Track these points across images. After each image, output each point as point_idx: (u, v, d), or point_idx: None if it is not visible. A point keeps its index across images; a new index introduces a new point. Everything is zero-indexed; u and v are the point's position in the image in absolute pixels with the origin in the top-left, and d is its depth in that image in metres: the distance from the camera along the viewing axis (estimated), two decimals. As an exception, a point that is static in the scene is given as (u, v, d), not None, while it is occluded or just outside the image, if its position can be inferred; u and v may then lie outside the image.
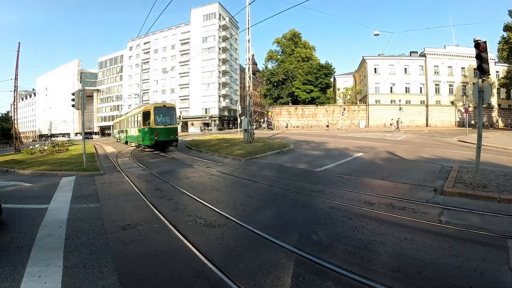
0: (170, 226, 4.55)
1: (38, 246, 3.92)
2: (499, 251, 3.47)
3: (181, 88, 71.72)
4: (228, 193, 6.92)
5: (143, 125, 17.75)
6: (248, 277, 2.98)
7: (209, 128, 64.56)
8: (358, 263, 3.23)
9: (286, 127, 48.44)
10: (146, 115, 17.41)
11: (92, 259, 3.50)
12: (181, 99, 71.25)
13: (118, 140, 31.49)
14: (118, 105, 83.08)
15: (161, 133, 16.86)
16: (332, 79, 60.00)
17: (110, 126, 64.40)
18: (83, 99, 12.25)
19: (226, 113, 72.02)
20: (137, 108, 21.47)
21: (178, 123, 19.98)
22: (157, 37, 75.56)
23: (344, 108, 46.64)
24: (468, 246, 3.63)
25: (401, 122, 33.95)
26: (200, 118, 67.64)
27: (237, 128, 37.17)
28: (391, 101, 50.53)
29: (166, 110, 18.00)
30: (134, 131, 20.92)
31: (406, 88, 51.47)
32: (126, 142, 25.11)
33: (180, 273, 3.11)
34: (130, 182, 8.33)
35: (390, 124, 35.77)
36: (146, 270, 3.21)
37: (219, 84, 68.39)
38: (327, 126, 46.16)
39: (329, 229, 4.29)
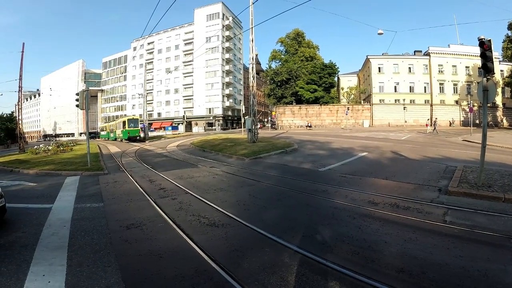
0: (174, 226, 4.56)
1: (42, 245, 3.95)
2: (504, 251, 3.43)
3: (185, 88, 71.84)
4: (232, 193, 6.92)
5: (123, 128, 32.64)
6: (251, 277, 2.98)
7: (213, 128, 64.58)
8: (362, 263, 3.21)
9: (308, 126, 46.88)
10: (123, 123, 32.73)
11: (96, 258, 3.52)
12: (185, 99, 71.45)
13: (107, 138, 42.96)
14: (122, 105, 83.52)
15: (131, 132, 31.12)
16: (336, 79, 59.74)
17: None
18: (88, 99, 12.32)
19: (229, 113, 72.05)
20: (120, 118, 40.25)
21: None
22: (160, 37, 75.78)
23: (348, 108, 46.41)
24: (473, 246, 3.60)
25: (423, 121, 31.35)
26: (204, 118, 67.79)
27: (241, 128, 37.12)
28: (395, 100, 50.20)
29: (134, 120, 32.45)
30: (119, 132, 35.07)
31: (410, 87, 51.04)
32: (115, 139, 37.01)
33: (183, 273, 3.11)
34: (134, 182, 8.37)
35: (426, 125, 33.04)
36: (149, 269, 3.22)
37: (223, 83, 68.42)
38: (309, 126, 45.40)
39: (333, 229, 4.27)
